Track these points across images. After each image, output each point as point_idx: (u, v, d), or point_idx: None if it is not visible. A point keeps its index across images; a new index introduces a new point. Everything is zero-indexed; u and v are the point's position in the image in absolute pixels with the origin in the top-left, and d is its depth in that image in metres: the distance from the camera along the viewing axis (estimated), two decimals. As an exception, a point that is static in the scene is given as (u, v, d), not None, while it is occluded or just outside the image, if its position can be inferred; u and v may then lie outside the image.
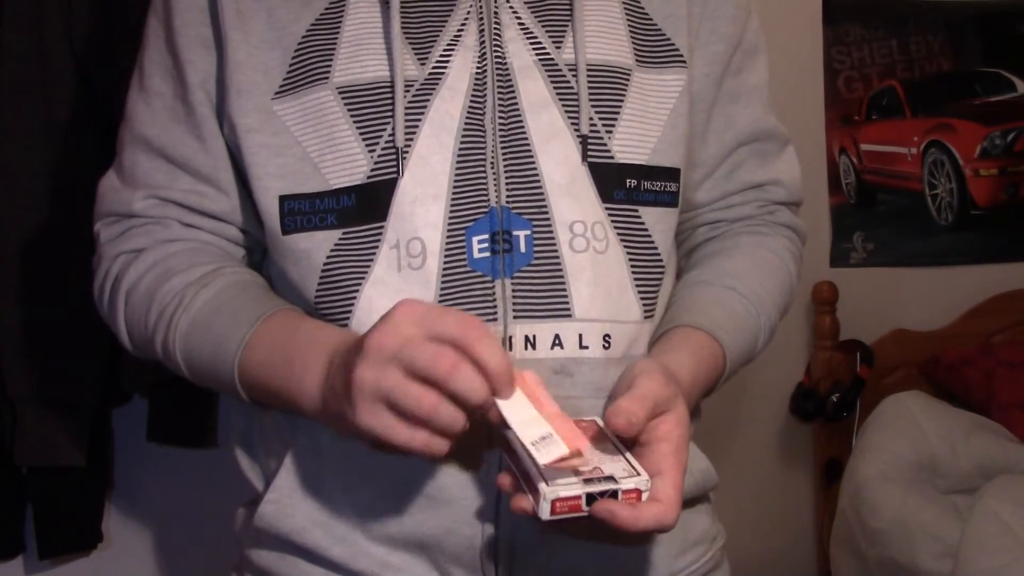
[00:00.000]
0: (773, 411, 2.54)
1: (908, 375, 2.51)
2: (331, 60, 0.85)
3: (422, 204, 0.83)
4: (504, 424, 0.71)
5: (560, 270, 0.84)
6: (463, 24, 0.86)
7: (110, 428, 1.89)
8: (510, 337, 0.83)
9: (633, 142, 0.88)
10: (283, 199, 0.85)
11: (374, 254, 0.83)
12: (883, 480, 2.17)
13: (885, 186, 2.61)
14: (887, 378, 2.49)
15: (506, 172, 0.84)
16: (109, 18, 1.61)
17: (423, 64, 0.85)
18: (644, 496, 0.71)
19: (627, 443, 0.76)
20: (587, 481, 0.70)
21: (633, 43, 0.89)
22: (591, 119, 0.86)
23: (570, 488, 0.69)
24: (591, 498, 0.69)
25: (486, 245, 0.83)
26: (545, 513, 0.69)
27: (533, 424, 0.74)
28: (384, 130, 0.83)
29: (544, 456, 0.69)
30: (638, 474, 0.72)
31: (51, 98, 1.63)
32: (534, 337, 0.83)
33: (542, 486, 0.69)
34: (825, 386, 2.43)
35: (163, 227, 0.90)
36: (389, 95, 0.84)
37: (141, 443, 1.83)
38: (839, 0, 2.57)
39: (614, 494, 0.70)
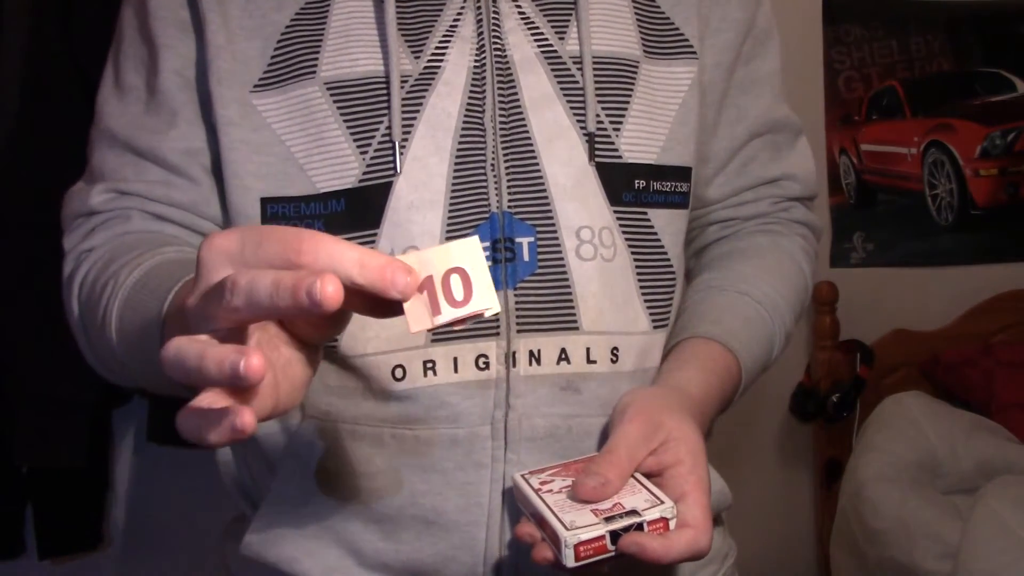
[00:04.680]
0: (773, 411, 2.54)
1: (908, 375, 2.51)
2: (318, 53, 0.78)
3: (418, 210, 0.77)
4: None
5: (566, 280, 0.78)
6: (459, 14, 0.80)
7: (110, 428, 1.89)
8: (513, 352, 0.77)
9: (642, 140, 0.82)
10: (265, 202, 0.79)
11: None
12: (883, 480, 2.17)
13: (885, 186, 2.61)
14: (887, 378, 2.49)
15: (507, 174, 0.78)
16: (109, 18, 1.61)
17: (417, 58, 0.78)
18: (672, 524, 0.66)
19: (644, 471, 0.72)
20: (609, 519, 0.65)
21: (641, 33, 0.84)
22: (598, 116, 0.80)
23: (592, 529, 0.64)
24: (615, 535, 0.65)
25: (487, 254, 0.77)
26: (570, 560, 0.64)
27: (542, 471, 0.71)
28: (377, 129, 0.77)
29: (557, 497, 0.66)
30: (661, 502, 0.67)
31: (51, 98, 1.63)
32: (539, 352, 0.78)
33: (561, 532, 0.64)
34: (825, 386, 2.43)
35: (123, 220, 0.83)
36: (382, 91, 0.78)
37: (141, 443, 1.83)
38: (839, 0, 2.57)
39: (639, 527, 0.65)
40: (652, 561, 0.65)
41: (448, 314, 0.51)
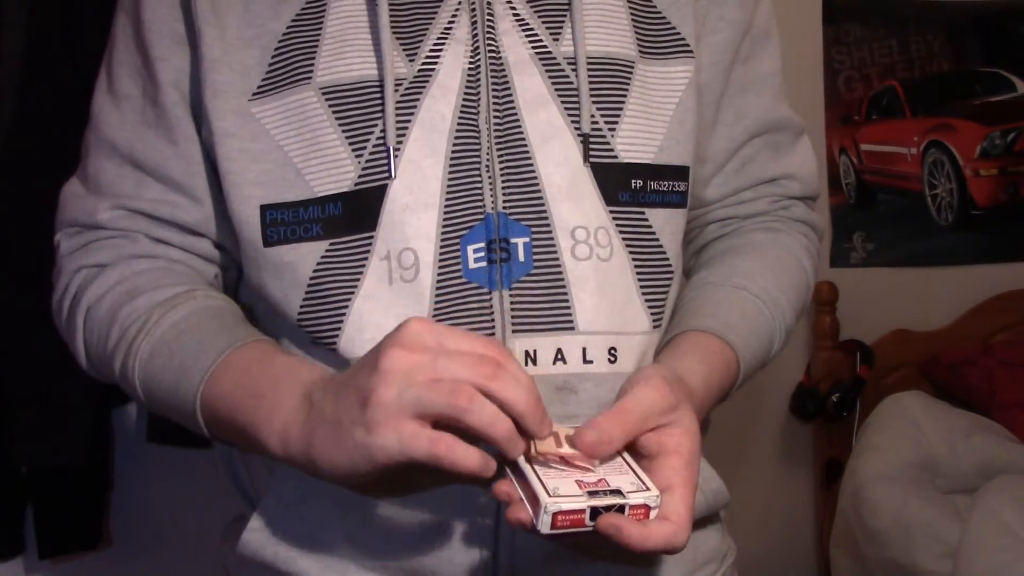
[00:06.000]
0: (773, 411, 2.54)
1: (908, 375, 2.52)
2: (313, 58, 0.79)
3: (413, 212, 0.77)
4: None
5: (562, 280, 0.78)
6: (453, 16, 0.80)
7: (110, 428, 1.89)
8: None
9: (638, 140, 0.82)
10: (264, 208, 0.80)
11: (364, 266, 0.78)
12: (883, 480, 2.17)
13: (885, 186, 2.61)
14: (887, 378, 2.49)
15: (502, 175, 0.79)
16: (109, 18, 1.61)
17: (412, 61, 0.79)
18: (653, 513, 0.65)
19: (635, 455, 0.70)
20: (592, 494, 0.65)
21: (636, 33, 0.84)
22: (592, 116, 0.80)
23: (573, 501, 0.64)
24: (595, 512, 0.64)
25: (482, 254, 0.77)
26: (545, 527, 0.64)
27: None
28: (372, 132, 0.78)
29: (544, 464, 0.66)
30: (647, 489, 0.66)
31: (50, 98, 1.63)
32: (535, 352, 0.78)
33: (543, 497, 0.64)
34: (825, 386, 2.43)
35: (129, 241, 0.84)
36: (377, 94, 0.78)
37: (141, 443, 1.83)
38: (839, 0, 2.57)
39: (620, 509, 0.64)
40: (626, 547, 0.64)
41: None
